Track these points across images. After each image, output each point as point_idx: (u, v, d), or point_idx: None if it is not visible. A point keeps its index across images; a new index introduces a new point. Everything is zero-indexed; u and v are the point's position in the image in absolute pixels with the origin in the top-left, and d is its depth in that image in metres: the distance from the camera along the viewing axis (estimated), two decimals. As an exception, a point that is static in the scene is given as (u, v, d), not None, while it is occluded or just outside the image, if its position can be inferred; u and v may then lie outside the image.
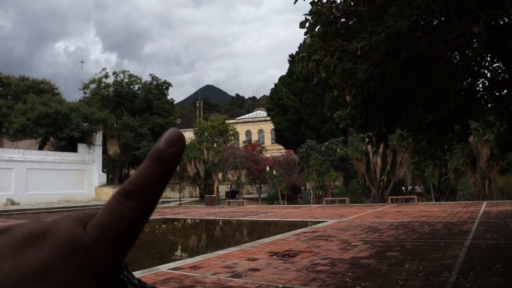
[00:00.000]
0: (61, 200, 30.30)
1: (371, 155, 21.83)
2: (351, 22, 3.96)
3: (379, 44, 3.25)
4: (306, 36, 4.32)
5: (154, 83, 40.52)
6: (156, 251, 10.55)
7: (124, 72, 40.06)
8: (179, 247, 10.96)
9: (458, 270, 5.74)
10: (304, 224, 12.88)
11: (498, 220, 11.85)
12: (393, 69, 4.09)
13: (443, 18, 3.84)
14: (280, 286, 5.33)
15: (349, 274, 5.82)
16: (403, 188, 27.10)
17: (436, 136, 6.93)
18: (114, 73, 39.85)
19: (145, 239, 13.68)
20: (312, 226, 12.17)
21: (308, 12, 4.03)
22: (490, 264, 6.00)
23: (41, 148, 35.24)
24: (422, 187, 26.21)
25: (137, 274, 6.41)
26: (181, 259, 7.60)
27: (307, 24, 4.07)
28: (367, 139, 5.40)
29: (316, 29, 4.09)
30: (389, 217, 13.90)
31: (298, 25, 4.60)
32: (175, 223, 17.14)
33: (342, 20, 3.97)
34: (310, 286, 5.27)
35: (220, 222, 16.59)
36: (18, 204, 27.60)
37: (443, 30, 3.52)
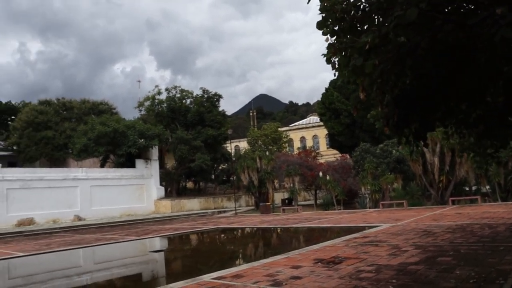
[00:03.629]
0: (123, 214, 31.44)
1: (427, 156, 20.90)
2: (360, 15, 3.77)
3: (387, 36, 3.06)
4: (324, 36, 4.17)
5: (205, 96, 41.28)
6: (204, 261, 10.62)
7: (176, 87, 41.19)
8: (228, 256, 10.97)
9: (515, 276, 5.30)
10: (356, 229, 12.49)
11: None
12: (412, 62, 3.85)
13: (464, 4, 3.57)
14: (320, 295, 5.16)
15: (394, 281, 5.54)
16: (467, 188, 25.73)
17: (484, 132, 6.50)
18: (166, 89, 41.07)
19: (197, 248, 13.88)
20: (364, 231, 11.78)
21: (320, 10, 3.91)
22: (553, 268, 5.51)
23: (102, 165, 36.88)
24: (487, 187, 24.74)
25: (180, 284, 6.48)
26: (227, 268, 7.56)
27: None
28: (403, 139, 5.13)
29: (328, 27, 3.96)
30: (447, 220, 13.19)
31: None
32: (228, 232, 17.23)
33: (352, 14, 3.79)
34: (350, 294, 5.07)
35: (272, 230, 16.50)
36: (84, 219, 28.94)
37: (465, 15, 3.27)
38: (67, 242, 16.15)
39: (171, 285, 6.54)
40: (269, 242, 14.29)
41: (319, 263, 7.31)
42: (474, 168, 22.93)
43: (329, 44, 4.03)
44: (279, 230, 16.34)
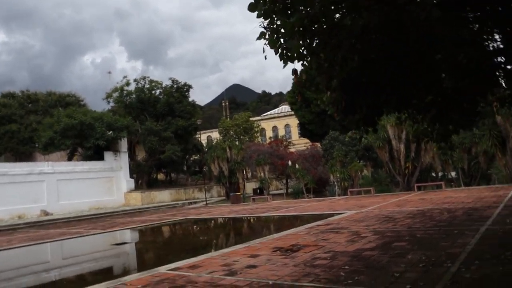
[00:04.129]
0: (92, 208, 30.84)
1: (393, 143, 21.18)
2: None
3: (316, 17, 2.98)
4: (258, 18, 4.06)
5: (175, 86, 40.79)
6: (165, 252, 10.52)
7: (144, 78, 40.54)
8: (189, 247, 10.86)
9: (463, 260, 5.37)
10: (321, 217, 12.55)
11: (525, 202, 11.24)
12: (349, 45, 3.79)
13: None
14: (271, 282, 5.11)
15: (346, 267, 5.54)
16: (434, 174, 26.24)
17: (436, 116, 6.54)
18: (135, 80, 40.35)
19: (160, 240, 13.72)
20: (328, 218, 11.84)
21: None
22: (500, 251, 5.60)
23: (70, 159, 36.06)
24: (453, 173, 25.27)
25: (134, 276, 6.35)
26: (186, 259, 7.45)
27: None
28: (353, 125, 5.09)
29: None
30: (410, 206, 13.40)
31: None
32: (195, 223, 17.11)
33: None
34: (301, 281, 5.04)
35: (238, 220, 16.46)
36: (52, 214, 28.25)
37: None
38: (30, 237, 15.72)
39: (125, 277, 6.40)
40: (233, 232, 14.25)
41: (278, 252, 7.28)
42: (439, 154, 23.42)
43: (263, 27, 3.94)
44: (245, 220, 16.32)
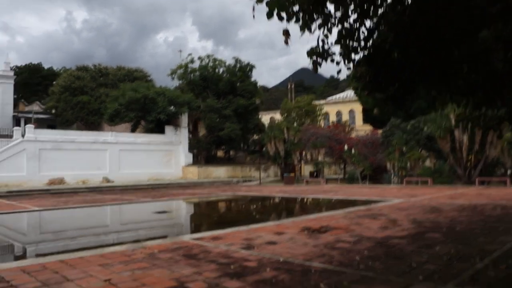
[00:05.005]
0: (150, 179, 32.06)
1: (456, 133, 19.95)
2: None
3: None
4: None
5: (238, 65, 40.94)
6: (200, 223, 10.67)
7: (209, 56, 41.01)
8: (225, 221, 10.91)
9: (495, 257, 4.90)
10: (366, 202, 12.14)
11: None
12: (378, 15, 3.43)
13: None
14: (281, 259, 4.96)
15: (365, 252, 5.26)
16: (503, 171, 24.48)
17: (482, 101, 5.99)
18: (199, 57, 40.92)
19: (202, 212, 13.97)
20: (372, 205, 11.41)
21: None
22: (541, 251, 5.06)
23: (133, 131, 37.58)
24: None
25: (156, 242, 6.46)
26: (215, 230, 7.48)
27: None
28: (379, 103, 4.72)
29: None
30: (464, 199, 12.59)
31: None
32: (242, 199, 17.22)
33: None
34: (312, 261, 4.84)
35: (285, 199, 16.35)
36: (113, 182, 29.72)
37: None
38: (85, 200, 16.62)
39: (148, 242, 6.53)
40: (273, 210, 14.17)
41: (305, 231, 7.10)
42: (508, 149, 21.75)
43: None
44: (291, 200, 16.16)
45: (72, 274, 4.46)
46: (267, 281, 4.07)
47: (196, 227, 10.21)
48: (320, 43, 4.16)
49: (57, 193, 22.01)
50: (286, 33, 3.89)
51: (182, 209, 14.58)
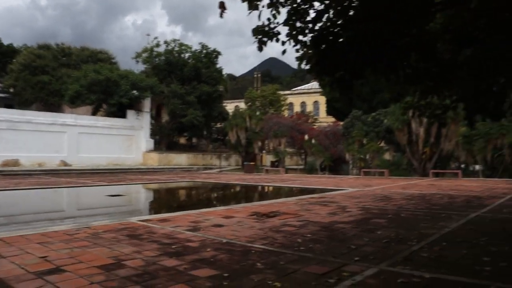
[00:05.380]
0: (110, 164, 31.44)
1: (413, 125, 20.47)
2: None
3: None
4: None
5: (204, 51, 40.50)
6: (152, 207, 10.56)
7: (174, 41, 40.42)
8: (177, 205, 10.85)
9: (431, 240, 5.05)
10: (320, 191, 12.31)
11: (534, 196, 10.64)
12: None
13: None
14: (224, 241, 4.95)
15: (308, 235, 5.32)
16: (457, 164, 25.35)
17: (429, 89, 6.12)
18: (165, 42, 40.27)
19: (155, 196, 13.81)
20: (326, 193, 11.57)
21: None
22: (475, 236, 5.25)
23: (94, 114, 36.63)
24: (479, 165, 24.30)
25: (104, 222, 6.32)
26: (165, 213, 7.39)
27: None
28: (327, 85, 4.73)
29: None
30: (415, 189, 12.96)
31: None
32: (198, 186, 17.13)
33: None
34: (254, 243, 4.85)
35: (241, 187, 16.38)
36: (71, 165, 28.97)
37: None
38: (38, 183, 16.11)
39: (94, 223, 6.38)
40: (228, 197, 14.18)
41: (254, 216, 7.11)
42: (462, 143, 22.49)
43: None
44: (248, 188, 16.20)
45: (7, 252, 4.31)
46: (205, 260, 4.04)
47: (147, 210, 10.08)
48: (266, 22, 4.13)
49: (10, 175, 21.26)
50: (222, 5, 3.82)
51: (137, 193, 14.36)
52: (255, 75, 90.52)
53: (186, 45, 40.78)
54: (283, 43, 4.35)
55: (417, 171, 21.73)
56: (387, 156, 27.82)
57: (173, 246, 4.63)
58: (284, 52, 4.47)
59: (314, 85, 71.75)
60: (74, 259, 4.03)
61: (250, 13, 4.04)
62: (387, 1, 4.76)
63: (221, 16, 3.94)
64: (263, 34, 4.21)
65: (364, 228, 5.93)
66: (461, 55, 5.98)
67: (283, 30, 4.34)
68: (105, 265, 3.81)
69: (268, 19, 4.14)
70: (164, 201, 12.15)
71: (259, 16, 4.32)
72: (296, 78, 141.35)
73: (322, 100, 65.88)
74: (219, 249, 4.51)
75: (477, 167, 24.32)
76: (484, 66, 5.93)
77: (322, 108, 67.55)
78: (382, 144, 28.74)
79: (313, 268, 3.77)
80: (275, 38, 4.27)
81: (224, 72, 43.80)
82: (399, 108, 21.07)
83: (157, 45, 40.02)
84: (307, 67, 4.91)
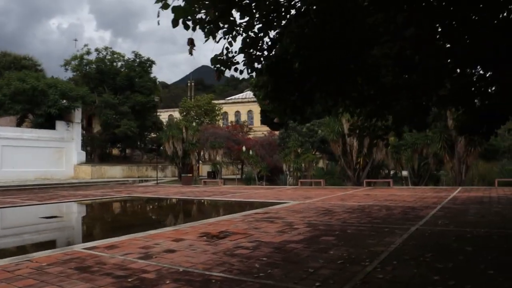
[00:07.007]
0: (38, 178, 29.70)
1: (347, 137, 21.29)
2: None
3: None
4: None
5: (137, 60, 39.61)
6: (93, 229, 10.09)
7: (106, 48, 39.19)
8: (119, 226, 10.46)
9: (382, 259, 5.26)
10: (263, 205, 12.41)
11: (461, 206, 11.44)
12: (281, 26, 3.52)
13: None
14: (181, 270, 4.85)
15: (264, 259, 5.34)
16: (386, 172, 26.66)
17: (373, 112, 6.40)
18: (96, 49, 38.91)
19: (94, 216, 13.24)
20: (269, 207, 11.69)
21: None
22: (420, 253, 5.54)
23: (19, 125, 34.50)
24: (406, 172, 25.72)
25: (46, 253, 5.94)
26: (109, 238, 7.08)
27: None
28: (281, 112, 4.85)
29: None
30: (353, 200, 13.46)
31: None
32: (137, 201, 16.65)
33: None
34: (212, 271, 4.79)
35: (182, 202, 16.14)
36: (-7, 180, 27.00)
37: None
38: (-42, 203, 14.84)
39: (35, 254, 5.98)
40: (170, 214, 13.94)
41: (204, 237, 7.03)
42: (392, 153, 23.75)
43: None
44: (188, 202, 15.99)
45: None
46: (166, 294, 3.93)
47: (89, 234, 9.63)
48: (224, 51, 4.14)
49: None
50: (191, 42, 3.80)
51: (73, 213, 13.67)
52: (189, 84, 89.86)
53: (119, 53, 39.76)
54: (241, 72, 4.39)
55: (351, 179, 22.58)
56: (320, 164, 28.66)
57: (129, 280, 4.46)
58: (241, 80, 4.51)
59: (249, 94, 72.49)
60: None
61: (207, 40, 4.02)
62: (335, 31, 4.95)
63: (190, 53, 3.90)
64: (221, 63, 4.21)
65: (316, 247, 6.05)
66: (401, 79, 6.32)
67: (240, 58, 4.38)
68: (61, 308, 3.60)
69: (226, 49, 4.16)
70: (105, 222, 11.64)
71: (217, 42, 4.32)
72: (229, 86, 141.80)
73: (256, 109, 66.76)
74: (178, 280, 4.41)
75: (404, 173, 25.78)
76: (421, 87, 6.33)
77: (256, 117, 68.40)
78: (316, 153, 29.62)
79: (279, 299, 3.80)
80: (233, 67, 4.30)
81: (157, 80, 43.07)
82: (334, 121, 21.89)
83: (88, 52, 38.58)
84: (260, 93, 4.97)
